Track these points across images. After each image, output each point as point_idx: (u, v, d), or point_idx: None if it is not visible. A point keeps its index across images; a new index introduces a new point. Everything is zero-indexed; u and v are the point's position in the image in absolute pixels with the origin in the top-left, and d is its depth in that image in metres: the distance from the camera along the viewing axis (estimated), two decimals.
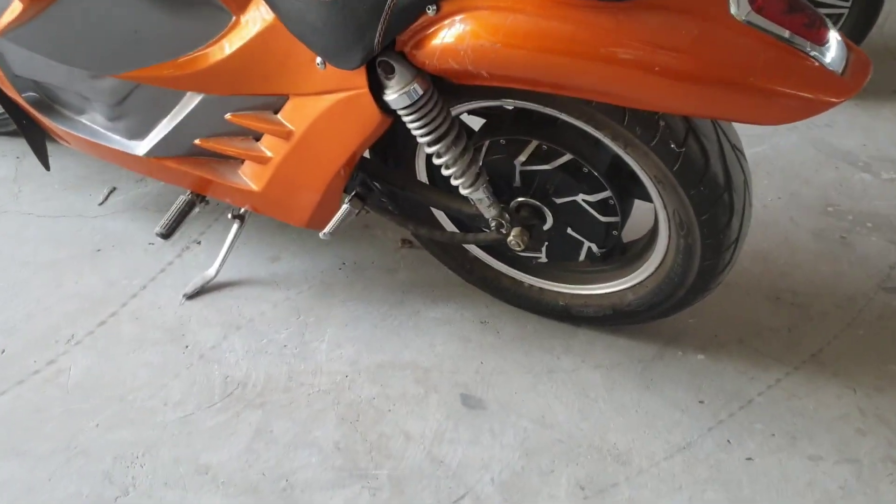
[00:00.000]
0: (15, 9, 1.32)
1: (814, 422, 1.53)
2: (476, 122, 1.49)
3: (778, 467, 1.45)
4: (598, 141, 1.32)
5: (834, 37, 1.10)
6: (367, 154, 1.54)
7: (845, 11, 2.45)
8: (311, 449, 1.45)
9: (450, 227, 1.69)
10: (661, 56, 1.02)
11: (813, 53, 1.05)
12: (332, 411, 1.51)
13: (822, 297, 1.81)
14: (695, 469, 1.44)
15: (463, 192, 1.37)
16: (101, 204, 1.98)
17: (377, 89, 1.24)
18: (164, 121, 1.52)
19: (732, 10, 1.02)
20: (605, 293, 1.60)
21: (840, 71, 1.07)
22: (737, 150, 1.32)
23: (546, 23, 1.04)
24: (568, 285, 1.65)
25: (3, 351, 1.63)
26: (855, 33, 2.48)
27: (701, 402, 1.56)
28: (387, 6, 1.09)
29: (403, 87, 1.20)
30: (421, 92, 1.21)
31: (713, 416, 1.53)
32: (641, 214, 1.57)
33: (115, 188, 2.04)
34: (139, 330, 1.69)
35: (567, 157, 1.37)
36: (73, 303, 1.75)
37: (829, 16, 2.47)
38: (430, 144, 1.29)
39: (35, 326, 1.69)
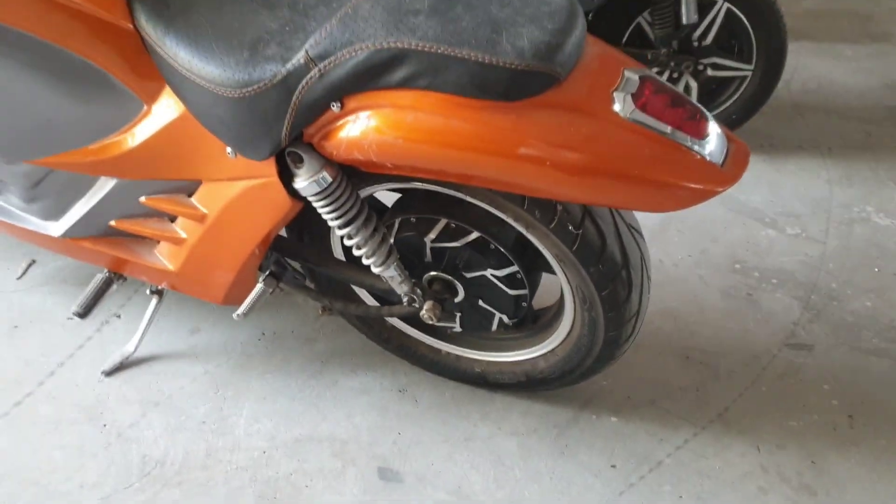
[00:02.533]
0: None
1: (719, 482, 1.59)
2: (392, 198, 1.54)
3: None
4: (503, 220, 1.38)
5: (714, 129, 1.17)
6: (283, 232, 1.57)
7: (749, 74, 2.58)
8: None
9: (369, 299, 1.73)
10: (552, 151, 1.08)
11: (694, 147, 1.12)
12: (249, 489, 1.52)
13: (728, 356, 1.89)
14: None
15: (374, 270, 1.41)
16: (19, 278, 1.97)
17: (288, 177, 1.28)
18: (79, 203, 1.53)
19: (617, 108, 1.09)
20: (519, 360, 1.65)
21: (720, 162, 1.14)
22: (633, 229, 1.39)
23: (444, 121, 1.09)
24: (483, 353, 1.70)
25: None
26: (759, 94, 2.62)
27: (613, 466, 1.61)
28: (292, 103, 1.13)
29: (312, 176, 1.24)
30: (330, 180, 1.25)
31: (625, 480, 1.59)
32: (552, 282, 1.63)
33: (34, 261, 2.03)
34: (56, 410, 1.67)
35: (475, 235, 1.43)
36: None
37: (732, 79, 2.61)
38: (340, 227, 1.33)
39: None
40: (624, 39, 2.59)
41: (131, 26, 1.25)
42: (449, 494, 1.53)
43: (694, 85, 2.63)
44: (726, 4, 2.47)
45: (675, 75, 2.62)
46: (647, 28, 2.56)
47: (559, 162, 1.09)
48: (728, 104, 2.67)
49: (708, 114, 1.18)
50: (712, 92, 2.69)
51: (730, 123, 2.70)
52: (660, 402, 1.76)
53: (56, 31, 1.22)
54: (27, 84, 1.30)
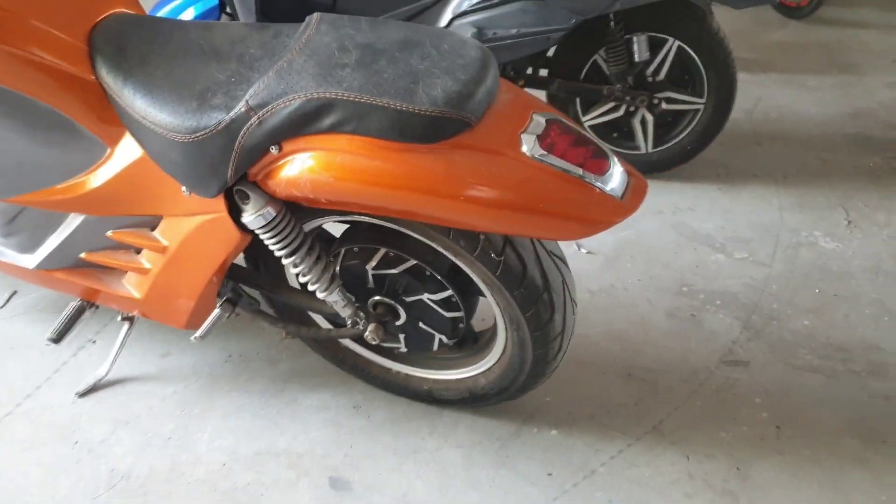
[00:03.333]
0: None
1: (648, 488, 1.71)
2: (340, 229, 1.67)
3: None
4: (436, 249, 1.51)
5: (616, 166, 1.30)
6: (242, 262, 1.71)
7: (701, 107, 2.71)
8: None
9: (324, 323, 1.86)
10: (464, 188, 1.21)
11: (596, 183, 1.25)
12: (209, 498, 1.64)
13: (669, 373, 2.01)
14: None
15: (319, 295, 1.54)
16: (1, 307, 2.10)
17: (237, 212, 1.41)
18: (52, 237, 1.67)
19: (524, 149, 1.22)
20: (462, 378, 1.78)
21: (620, 195, 1.27)
22: (554, 255, 1.52)
23: (368, 161, 1.22)
24: (430, 371, 1.82)
25: None
26: (712, 125, 2.74)
27: (550, 474, 1.73)
28: (236, 146, 1.27)
29: (258, 211, 1.37)
30: (273, 214, 1.38)
31: (559, 487, 1.70)
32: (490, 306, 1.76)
33: (16, 291, 2.16)
34: (32, 429, 1.80)
35: (412, 262, 1.55)
36: None
37: (685, 112, 2.74)
38: (285, 257, 1.46)
39: None
40: (582, 75, 2.73)
41: (93, 78, 1.39)
42: (395, 501, 1.65)
43: (650, 118, 2.76)
44: (677, 43, 2.61)
45: (632, 109, 2.75)
46: (603, 65, 2.70)
47: (470, 197, 1.22)
48: (683, 135, 2.79)
49: (609, 152, 1.31)
50: (667, 124, 2.82)
51: (685, 154, 2.83)
52: (599, 416, 1.88)
53: (26, 83, 1.37)
54: (0, 129, 1.44)
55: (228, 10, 2.75)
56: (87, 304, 1.79)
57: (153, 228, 1.57)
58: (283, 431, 1.80)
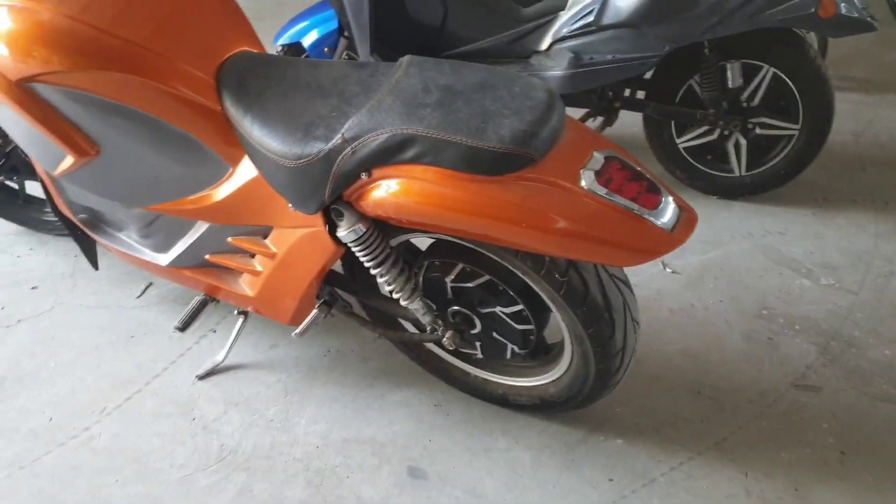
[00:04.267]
0: (68, 160, 1.76)
1: (703, 500, 1.80)
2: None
3: None
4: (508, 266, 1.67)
5: (668, 200, 1.43)
6: (340, 269, 1.93)
7: (796, 133, 2.75)
8: None
9: (409, 327, 2.05)
10: (525, 216, 1.37)
11: (646, 216, 1.39)
12: (302, 476, 1.86)
13: (737, 392, 2.08)
14: None
15: (402, 303, 1.74)
16: (138, 297, 2.41)
17: (333, 227, 1.62)
18: (182, 240, 1.94)
19: (583, 183, 1.38)
20: (534, 385, 1.93)
21: (670, 228, 1.40)
22: (616, 278, 1.66)
23: (443, 189, 1.40)
24: (505, 377, 1.98)
25: (51, 419, 2.03)
26: (806, 151, 2.77)
27: (611, 479, 1.86)
28: (332, 172, 1.48)
29: (350, 227, 1.58)
30: (364, 230, 1.59)
31: (618, 493, 1.83)
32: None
33: (151, 283, 2.47)
34: (157, 404, 2.08)
35: (486, 278, 1.72)
36: (108, 381, 2.15)
37: (780, 137, 2.78)
38: (373, 268, 1.67)
39: (77, 400, 2.10)
40: (677, 99, 2.82)
41: (220, 108, 1.64)
42: (465, 493, 1.82)
43: (743, 142, 2.82)
44: (772, 70, 2.66)
45: (726, 133, 2.82)
46: (697, 89, 2.78)
47: (530, 224, 1.38)
48: (777, 160, 2.84)
49: (662, 187, 1.44)
50: (762, 148, 2.87)
51: (779, 178, 2.87)
52: (664, 429, 1.98)
53: (165, 111, 1.63)
54: (143, 150, 1.71)
55: (346, 33, 3.00)
56: (210, 298, 2.06)
57: (265, 237, 1.80)
58: (370, 422, 2.01)
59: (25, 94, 1.64)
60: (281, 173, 1.56)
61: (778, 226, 2.82)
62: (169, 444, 1.96)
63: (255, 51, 1.76)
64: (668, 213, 1.42)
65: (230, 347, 2.17)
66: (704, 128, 2.83)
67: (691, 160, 2.95)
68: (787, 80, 2.66)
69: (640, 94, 2.97)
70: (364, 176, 1.47)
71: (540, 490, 1.83)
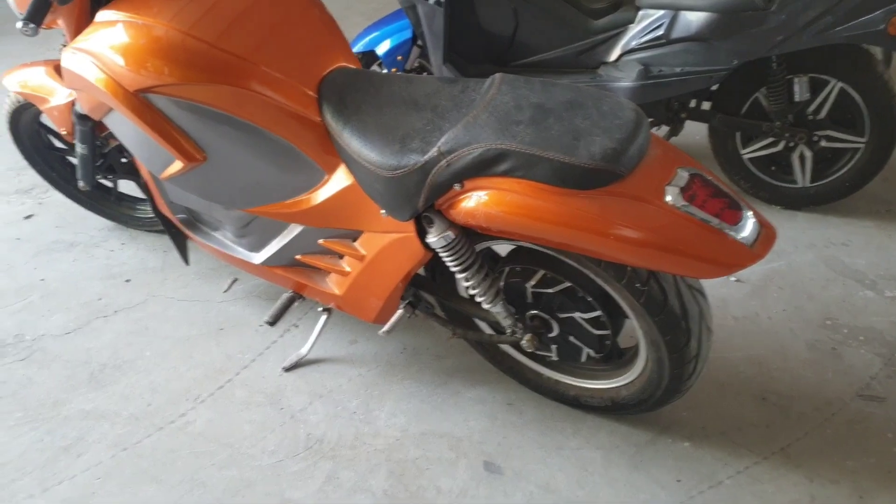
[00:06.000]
0: (176, 164, 1.89)
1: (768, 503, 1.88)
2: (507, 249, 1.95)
3: None
4: (589, 274, 1.76)
5: (749, 217, 1.50)
6: (422, 272, 2.03)
7: (862, 146, 2.78)
8: (365, 494, 1.91)
9: (487, 329, 2.15)
10: (612, 228, 1.46)
11: (728, 231, 1.46)
12: (384, 466, 1.97)
13: (803, 400, 2.14)
14: None
15: (484, 306, 1.84)
16: (225, 291, 2.53)
17: (422, 233, 1.73)
18: (275, 241, 2.06)
19: (668, 199, 1.46)
20: (606, 388, 2.01)
21: (750, 243, 1.47)
22: (693, 289, 1.73)
23: (534, 201, 1.49)
24: (577, 379, 2.06)
25: (150, 405, 2.17)
26: (872, 164, 2.79)
27: (679, 480, 1.93)
28: (427, 183, 1.58)
29: (440, 234, 1.67)
30: (453, 237, 1.68)
31: (686, 493, 1.90)
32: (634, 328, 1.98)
33: (236, 279, 2.59)
34: (247, 394, 2.20)
35: (566, 284, 1.81)
36: (200, 370, 2.29)
37: (845, 150, 2.81)
38: (459, 272, 1.77)
39: (173, 387, 2.23)
40: (743, 111, 2.87)
41: (320, 120, 1.75)
42: (538, 488, 1.91)
43: (808, 154, 2.85)
44: (839, 84, 2.70)
45: (791, 144, 2.86)
46: (763, 102, 2.82)
47: (617, 236, 1.46)
48: (842, 172, 2.87)
49: (743, 204, 1.52)
50: (827, 160, 2.90)
51: (843, 189, 2.90)
52: (730, 433, 2.05)
53: (268, 121, 1.75)
54: (246, 157, 1.83)
55: (420, 42, 3.10)
56: (297, 295, 2.18)
57: (354, 240, 1.91)
58: (447, 417, 2.11)
59: (141, 103, 1.77)
60: (377, 183, 1.67)
61: (841, 237, 2.85)
62: (259, 431, 2.08)
63: (352, 66, 1.87)
64: (748, 228, 1.49)
65: (314, 342, 2.29)
66: (770, 139, 2.87)
67: (755, 171, 3.00)
68: (854, 94, 2.69)
69: (706, 105, 3.02)
70: (457, 187, 1.56)
71: (610, 488, 1.92)
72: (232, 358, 2.34)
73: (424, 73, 3.35)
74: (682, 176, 1.49)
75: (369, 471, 1.96)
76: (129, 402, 2.18)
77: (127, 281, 2.70)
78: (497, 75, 1.67)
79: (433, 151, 1.54)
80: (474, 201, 1.56)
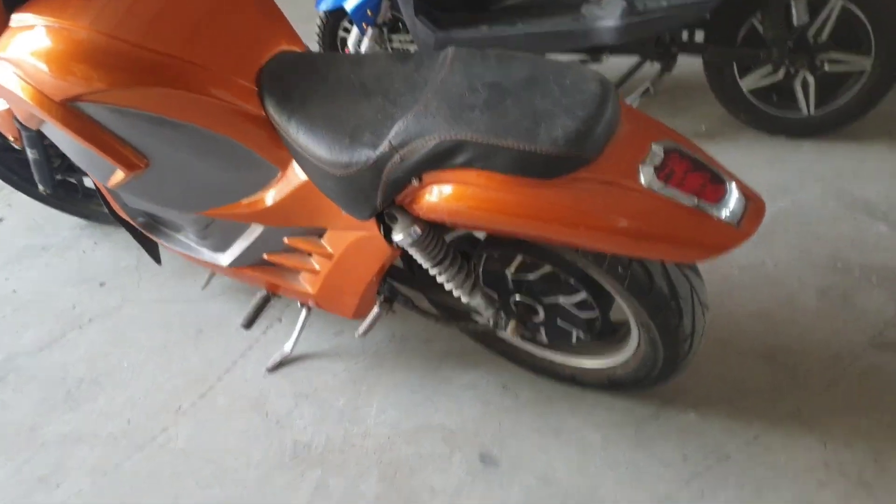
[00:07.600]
0: (119, 174, 1.76)
1: (781, 474, 1.77)
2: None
3: None
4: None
5: (732, 191, 1.36)
6: (398, 263, 1.92)
7: (868, 67, 2.60)
8: (357, 501, 1.83)
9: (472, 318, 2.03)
10: (582, 217, 1.32)
11: (710, 211, 1.32)
12: (375, 469, 1.88)
13: (812, 355, 2.02)
14: None
15: (463, 300, 1.72)
16: (203, 288, 2.43)
17: (388, 230, 1.60)
18: (238, 241, 1.94)
19: (642, 180, 1.31)
20: (601, 367, 1.90)
21: (736, 222, 1.34)
22: (683, 265, 1.60)
23: (495, 193, 1.36)
24: (572, 358, 1.96)
25: (129, 421, 2.09)
26: (880, 85, 2.62)
27: (684, 456, 1.84)
28: (382, 180, 1.44)
29: (405, 230, 1.55)
30: (419, 233, 1.55)
31: (693, 470, 1.81)
32: None
33: (214, 273, 2.49)
34: (230, 401, 2.11)
35: (547, 268, 1.68)
36: (180, 379, 2.20)
37: (851, 72, 2.63)
38: (430, 269, 1.64)
39: (152, 400, 2.14)
40: (738, 40, 2.68)
41: (263, 113, 1.61)
42: (537, 479, 1.82)
43: (811, 80, 2.68)
44: (840, 2, 2.50)
45: (792, 71, 2.68)
46: (760, 29, 2.63)
47: (588, 225, 1.33)
48: (848, 97, 2.69)
49: (725, 176, 1.37)
50: (831, 85, 2.71)
51: (850, 116, 2.73)
52: (736, 399, 1.94)
53: (207, 120, 1.61)
54: (190, 159, 1.70)
55: None
56: (271, 295, 2.07)
57: (321, 237, 1.79)
58: (438, 408, 2.02)
59: (70, 113, 1.63)
60: (329, 181, 1.53)
61: (851, 165, 2.69)
62: (244, 442, 2.00)
63: (295, 49, 1.72)
64: (732, 204, 1.35)
65: (297, 338, 2.19)
66: (768, 68, 2.69)
67: (756, 102, 2.82)
68: (857, 10, 2.50)
69: (700, 37, 2.82)
70: (415, 182, 1.43)
71: (612, 471, 1.83)
72: (213, 363, 2.24)
73: (395, 34, 3.18)
74: (657, 152, 1.34)
75: (360, 475, 1.88)
76: (108, 421, 2.10)
77: (101, 284, 2.59)
78: (450, 50, 1.52)
79: (384, 146, 1.40)
80: (436, 196, 1.43)
